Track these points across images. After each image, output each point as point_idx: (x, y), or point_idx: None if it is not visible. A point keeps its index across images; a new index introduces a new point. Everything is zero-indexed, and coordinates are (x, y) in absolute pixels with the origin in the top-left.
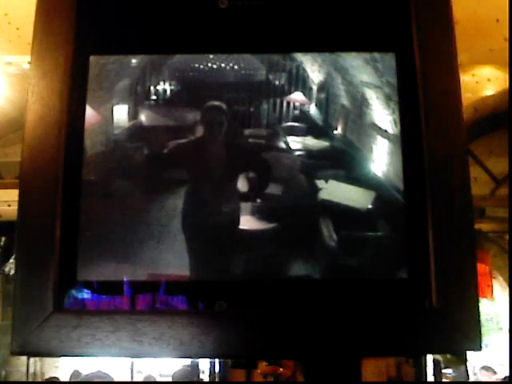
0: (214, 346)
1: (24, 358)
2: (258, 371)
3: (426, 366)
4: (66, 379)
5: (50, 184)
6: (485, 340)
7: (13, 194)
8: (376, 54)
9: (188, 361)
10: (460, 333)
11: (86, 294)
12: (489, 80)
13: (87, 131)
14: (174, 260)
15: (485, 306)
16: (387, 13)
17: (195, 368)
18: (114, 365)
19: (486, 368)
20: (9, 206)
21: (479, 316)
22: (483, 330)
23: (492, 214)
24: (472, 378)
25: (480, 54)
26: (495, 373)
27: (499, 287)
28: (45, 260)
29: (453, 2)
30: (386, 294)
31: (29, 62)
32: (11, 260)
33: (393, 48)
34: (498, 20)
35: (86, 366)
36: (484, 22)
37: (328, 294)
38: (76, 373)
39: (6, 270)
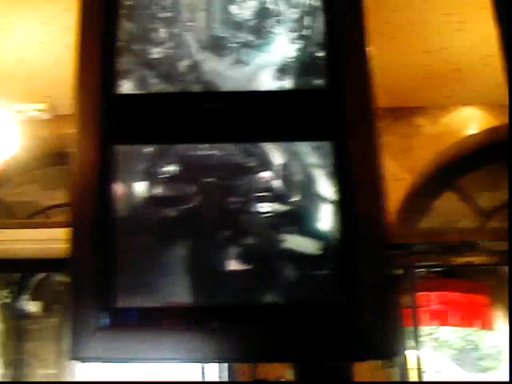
0: (212, 353)
1: None
2: None
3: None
4: None
5: (90, 241)
6: (496, 372)
7: (27, 233)
8: (320, 143)
9: None
10: (384, 344)
11: (121, 317)
12: (473, 119)
13: (117, 201)
14: (182, 292)
15: (490, 338)
16: (327, 114)
17: None
18: None
19: None
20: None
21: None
22: (493, 363)
23: (483, 246)
24: None
25: (465, 96)
26: None
27: (502, 319)
28: (91, 295)
29: (439, 51)
30: (330, 315)
31: (37, 110)
32: (25, 296)
33: (332, 138)
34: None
35: None
36: (468, 65)
37: (289, 314)
38: None
39: (19, 306)
